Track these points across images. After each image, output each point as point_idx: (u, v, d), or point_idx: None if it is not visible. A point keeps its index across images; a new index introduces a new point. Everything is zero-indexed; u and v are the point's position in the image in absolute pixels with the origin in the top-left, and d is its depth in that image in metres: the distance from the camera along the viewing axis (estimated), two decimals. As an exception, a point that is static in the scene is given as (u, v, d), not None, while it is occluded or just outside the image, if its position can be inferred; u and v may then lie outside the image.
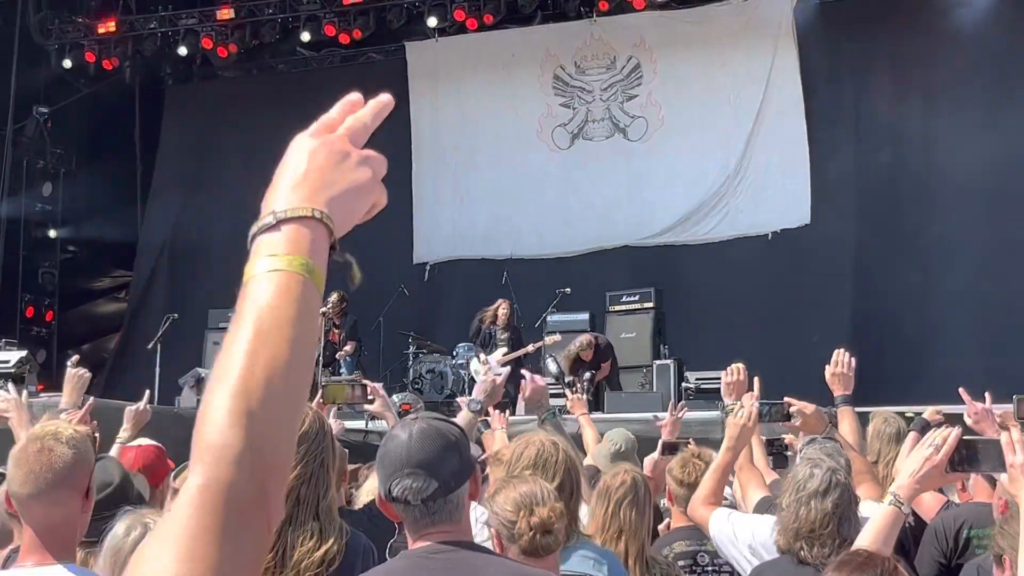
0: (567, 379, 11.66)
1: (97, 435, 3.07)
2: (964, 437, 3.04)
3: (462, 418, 4.94)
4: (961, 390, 5.40)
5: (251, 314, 1.21)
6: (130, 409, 5.48)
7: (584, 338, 12.31)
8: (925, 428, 4.97)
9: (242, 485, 1.15)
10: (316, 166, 1.29)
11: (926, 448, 3.06)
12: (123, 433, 5.36)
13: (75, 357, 4.94)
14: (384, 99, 1.37)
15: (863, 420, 6.71)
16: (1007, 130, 14.68)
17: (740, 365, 5.22)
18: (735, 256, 15.82)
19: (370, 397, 5.30)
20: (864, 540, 3.13)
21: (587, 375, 11.63)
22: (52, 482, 2.81)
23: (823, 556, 3.56)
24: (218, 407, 1.17)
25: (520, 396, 5.45)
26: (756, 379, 4.91)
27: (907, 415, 6.23)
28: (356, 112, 1.36)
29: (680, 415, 6.56)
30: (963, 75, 15.07)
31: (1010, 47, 14.79)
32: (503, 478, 3.49)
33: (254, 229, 1.27)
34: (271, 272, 1.23)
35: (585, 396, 7.16)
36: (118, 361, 18.24)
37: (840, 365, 4.98)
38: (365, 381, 5.66)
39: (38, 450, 2.82)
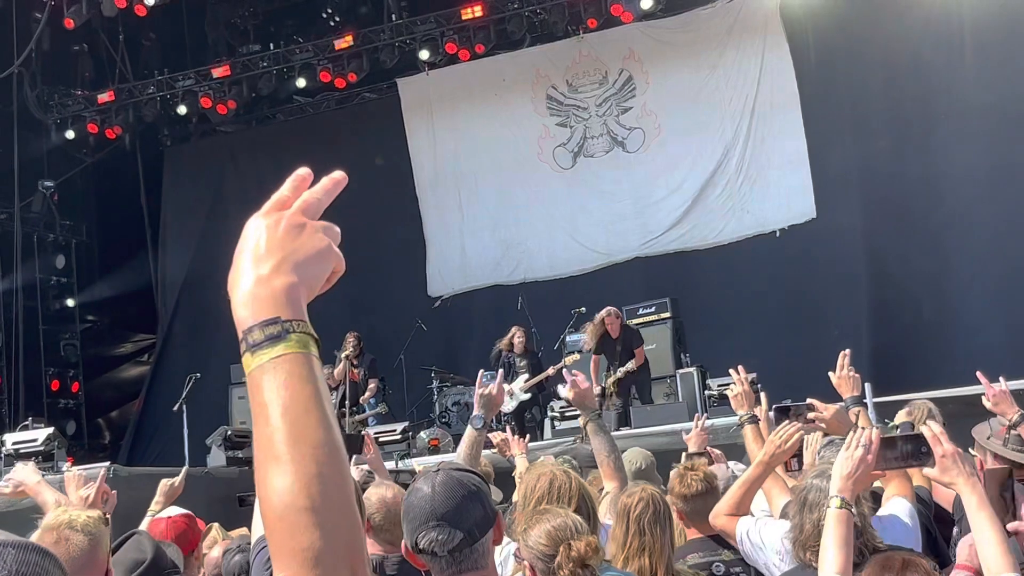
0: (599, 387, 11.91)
1: (108, 516, 3.13)
2: (884, 436, 3.30)
3: (467, 436, 4.98)
4: (978, 374, 5.42)
5: (275, 408, 1.24)
6: (165, 482, 5.56)
7: (604, 311, 12.52)
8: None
9: None
10: (276, 238, 1.34)
11: (855, 449, 3.29)
12: (154, 505, 5.44)
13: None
14: (336, 176, 1.41)
15: (898, 409, 6.69)
16: (1007, 103, 14.56)
17: (740, 374, 5.22)
18: (746, 257, 15.78)
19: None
20: (828, 544, 3.30)
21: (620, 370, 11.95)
22: (71, 572, 2.85)
23: None
24: (285, 509, 1.19)
25: (566, 399, 5.54)
26: (763, 394, 4.92)
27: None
28: (307, 187, 1.39)
29: (701, 425, 6.62)
30: (958, 52, 14.96)
31: (1005, 21, 14.64)
32: (531, 512, 3.53)
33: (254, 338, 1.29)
34: (276, 359, 1.26)
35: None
36: (141, 424, 18.31)
37: (844, 368, 5.00)
38: (363, 433, 5.63)
39: (54, 541, 2.88)
